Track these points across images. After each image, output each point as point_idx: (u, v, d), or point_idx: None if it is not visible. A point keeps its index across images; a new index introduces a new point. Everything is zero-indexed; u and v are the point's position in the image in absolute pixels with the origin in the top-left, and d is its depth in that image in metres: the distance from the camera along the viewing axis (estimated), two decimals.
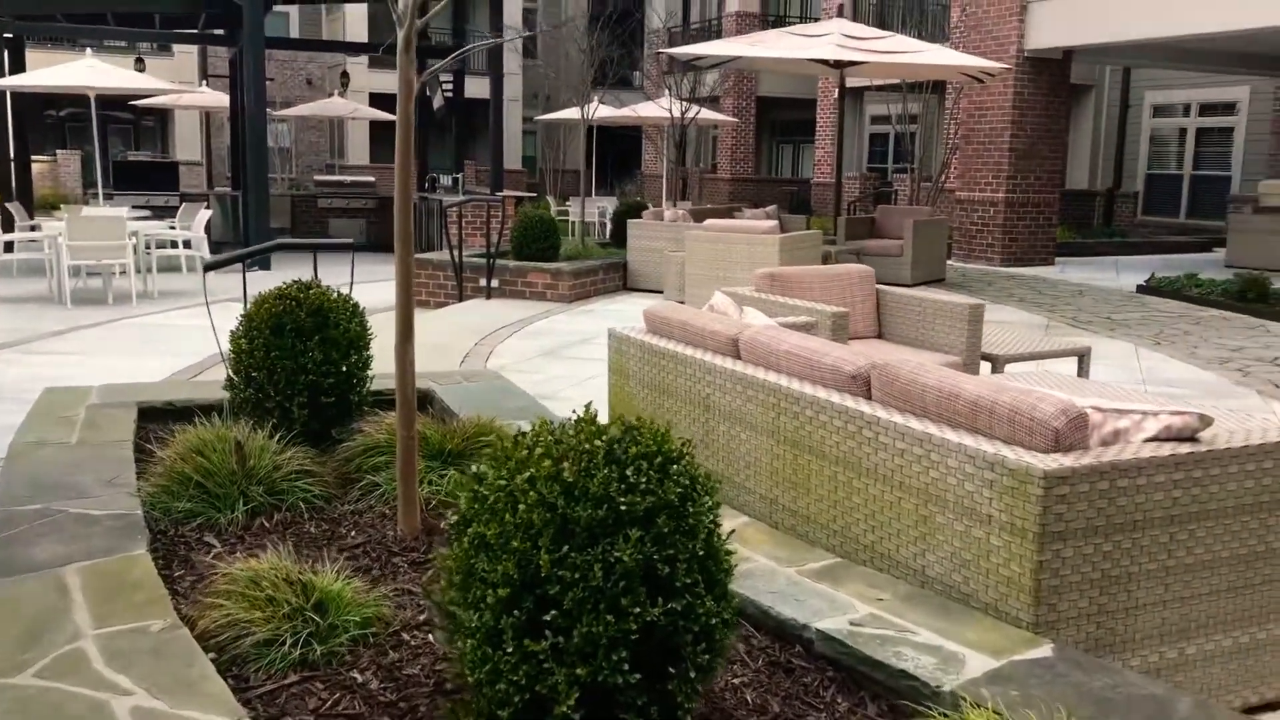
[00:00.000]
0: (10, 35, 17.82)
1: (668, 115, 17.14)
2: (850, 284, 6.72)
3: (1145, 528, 3.03)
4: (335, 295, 4.85)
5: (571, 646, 2.11)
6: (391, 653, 2.90)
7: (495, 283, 12.30)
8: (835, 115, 25.74)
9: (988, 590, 3.06)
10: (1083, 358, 6.74)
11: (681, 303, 11.89)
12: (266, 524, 3.86)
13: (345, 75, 26.07)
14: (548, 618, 2.13)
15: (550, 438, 2.34)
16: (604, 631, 2.09)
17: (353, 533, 3.82)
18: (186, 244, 14.29)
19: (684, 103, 17.05)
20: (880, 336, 6.78)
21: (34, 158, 20.02)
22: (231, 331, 4.80)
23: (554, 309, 11.61)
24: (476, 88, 23.19)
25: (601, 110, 15.13)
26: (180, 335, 10.28)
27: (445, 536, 3.69)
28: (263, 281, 5.25)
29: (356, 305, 4.92)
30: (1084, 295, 13.33)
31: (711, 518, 2.31)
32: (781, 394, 3.93)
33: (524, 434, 2.44)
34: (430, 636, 2.99)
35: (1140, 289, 13.49)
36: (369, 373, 4.92)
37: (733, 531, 2.43)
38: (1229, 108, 21.09)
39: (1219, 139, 21.53)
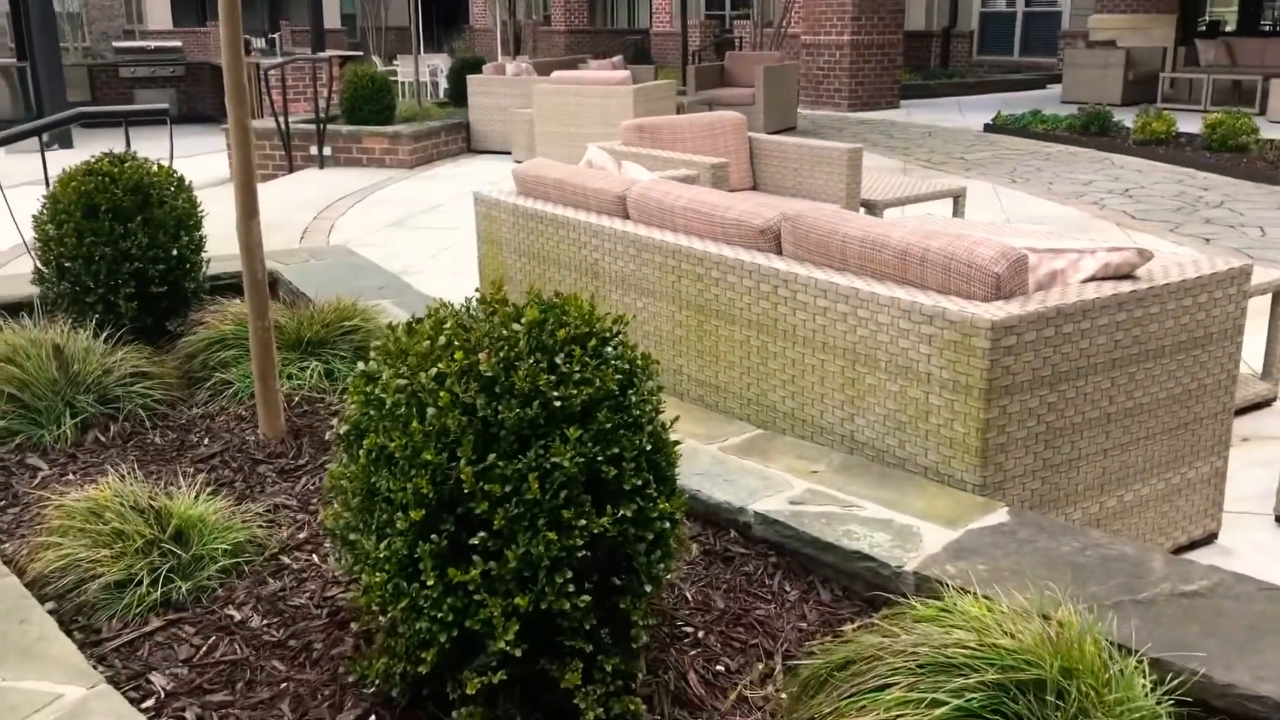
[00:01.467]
0: None
1: None
2: (723, 133, 6.35)
3: (1089, 374, 2.84)
4: (155, 168, 4.20)
5: (507, 572, 1.75)
6: (272, 581, 2.49)
7: (328, 150, 11.43)
8: None
9: (927, 453, 2.84)
10: (958, 199, 6.59)
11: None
12: (102, 438, 3.33)
13: None
14: (475, 541, 1.76)
15: (456, 324, 1.93)
16: (545, 552, 1.74)
17: (206, 440, 3.34)
18: None
19: None
20: (755, 187, 6.47)
21: None
22: (34, 216, 4.11)
23: (395, 176, 10.88)
24: None
25: None
26: None
27: (327, 443, 3.26)
28: (66, 160, 4.54)
29: (182, 179, 4.29)
30: (933, 136, 13.31)
31: (654, 404, 1.96)
32: (681, 255, 3.57)
33: (419, 320, 2.01)
34: (315, 558, 2.59)
35: (987, 128, 13.56)
36: (204, 256, 4.33)
37: (677, 418, 2.08)
38: None
39: None
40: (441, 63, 19.55)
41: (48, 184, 4.21)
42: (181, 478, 2.96)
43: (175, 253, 4.11)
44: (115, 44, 21.77)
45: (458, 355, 1.83)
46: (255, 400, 3.46)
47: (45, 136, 5.81)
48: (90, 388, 3.40)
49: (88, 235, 3.95)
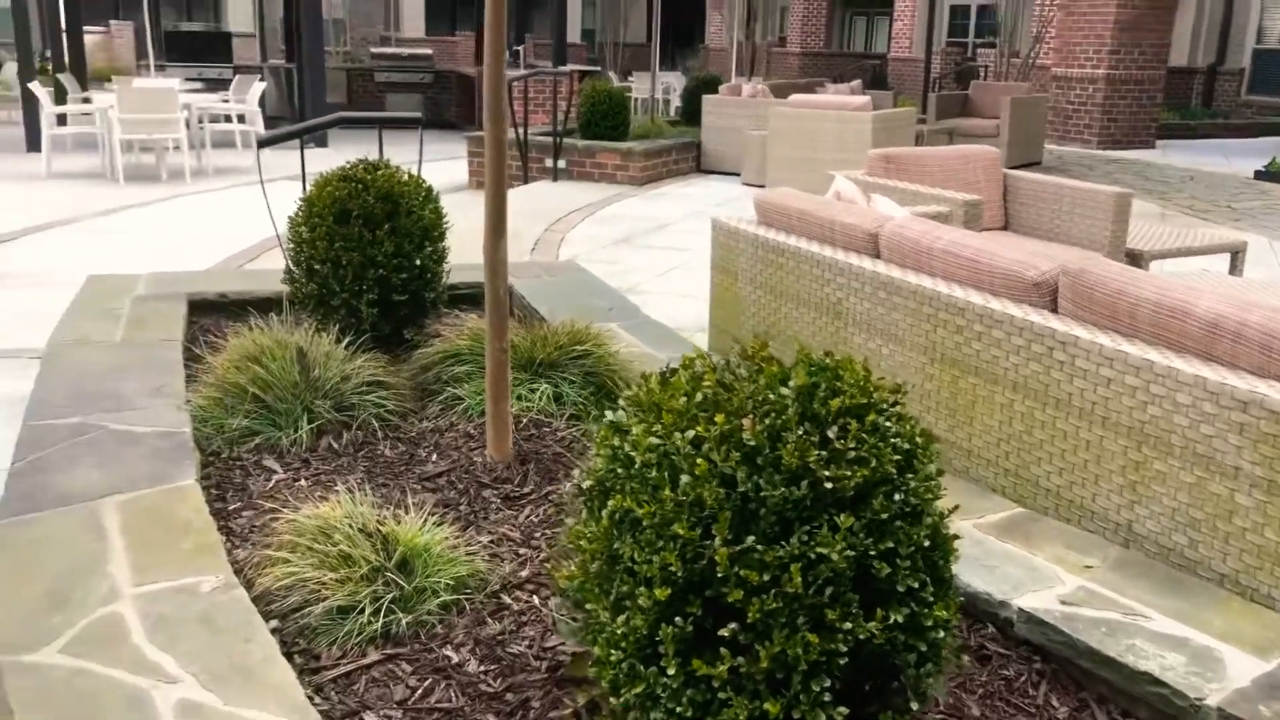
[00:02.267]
0: None
1: None
2: (975, 168, 5.97)
3: None
4: (405, 177, 4.24)
5: (757, 671, 1.55)
6: (491, 622, 2.37)
7: (562, 163, 11.59)
8: None
9: (1227, 559, 2.46)
10: (1237, 254, 5.96)
11: (762, 185, 11.14)
12: (335, 445, 3.34)
13: None
14: (724, 632, 1.57)
15: (716, 381, 1.74)
16: (803, 655, 1.53)
17: (434, 456, 3.29)
18: (241, 118, 13.69)
19: None
20: (1006, 228, 6.05)
21: (86, 28, 19.39)
22: (290, 218, 4.22)
23: (625, 192, 10.91)
24: None
25: None
26: (235, 216, 9.76)
27: (553, 471, 3.16)
28: (321, 161, 4.67)
29: (430, 189, 4.32)
30: (1195, 181, 12.32)
31: (935, 491, 1.71)
32: (940, 303, 3.28)
33: (673, 371, 1.84)
34: (535, 599, 2.47)
35: (1258, 175, 12.43)
36: (444, 266, 4.34)
37: (956, 508, 1.83)
38: None
39: None
40: (675, 81, 19.67)
41: (304, 185, 4.33)
42: (408, 495, 2.91)
43: (419, 263, 4.12)
44: (373, 49, 23.00)
45: (718, 419, 1.64)
46: (485, 420, 3.40)
47: (306, 137, 6.05)
48: (328, 393, 3.42)
49: (338, 240, 4.02)
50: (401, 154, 4.84)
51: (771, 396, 1.67)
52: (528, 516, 2.90)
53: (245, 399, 3.35)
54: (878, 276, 3.56)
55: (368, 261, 4.02)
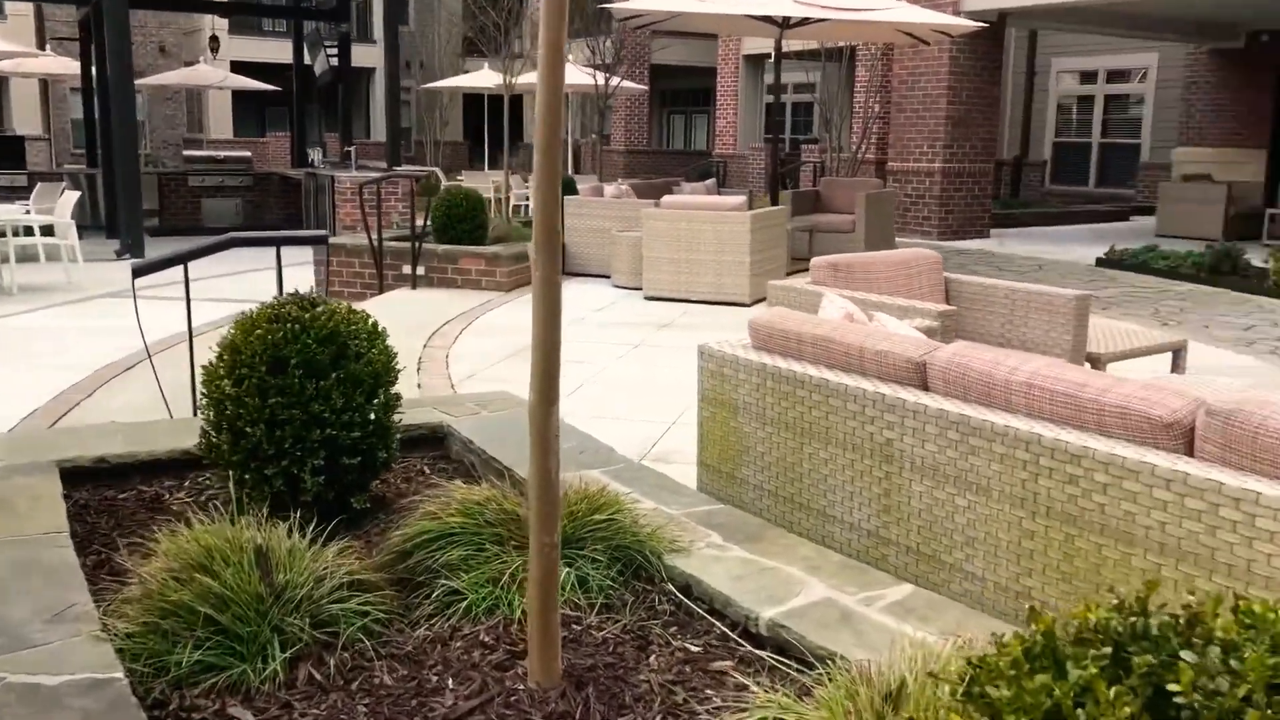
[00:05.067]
0: None
1: (592, 82, 15.79)
2: (919, 272, 5.67)
3: None
4: (345, 310, 3.52)
5: None
6: None
7: (421, 269, 10.86)
8: (737, 84, 24.84)
9: None
10: (1178, 353, 5.86)
11: (638, 288, 10.72)
12: (317, 675, 2.55)
13: (215, 40, 23.79)
14: None
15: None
16: None
17: (451, 682, 2.55)
18: (46, 230, 12.33)
19: (602, 70, 15.74)
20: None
21: None
22: (204, 368, 3.42)
23: (494, 299, 10.26)
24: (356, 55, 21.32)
25: (524, 77, 13.71)
26: (58, 341, 8.58)
27: (618, 696, 2.47)
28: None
29: (376, 324, 3.60)
30: (1044, 270, 12.66)
31: None
32: (1043, 448, 2.81)
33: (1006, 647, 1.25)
34: None
35: (1100, 262, 12.91)
36: (398, 416, 3.61)
37: None
38: (1138, 74, 20.95)
39: (1127, 106, 21.40)
40: (502, 179, 19.26)
41: (190, 318, 3.53)
42: None
43: (372, 416, 3.39)
44: (186, 153, 21.67)
45: None
46: (498, 621, 2.70)
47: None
48: (300, 605, 2.64)
49: (273, 394, 3.25)
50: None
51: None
52: None
53: (193, 622, 2.53)
54: (945, 415, 3.07)
55: (312, 419, 3.26)
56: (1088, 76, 21.77)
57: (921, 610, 2.76)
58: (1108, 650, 1.20)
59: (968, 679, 1.29)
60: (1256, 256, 11.91)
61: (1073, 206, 19.87)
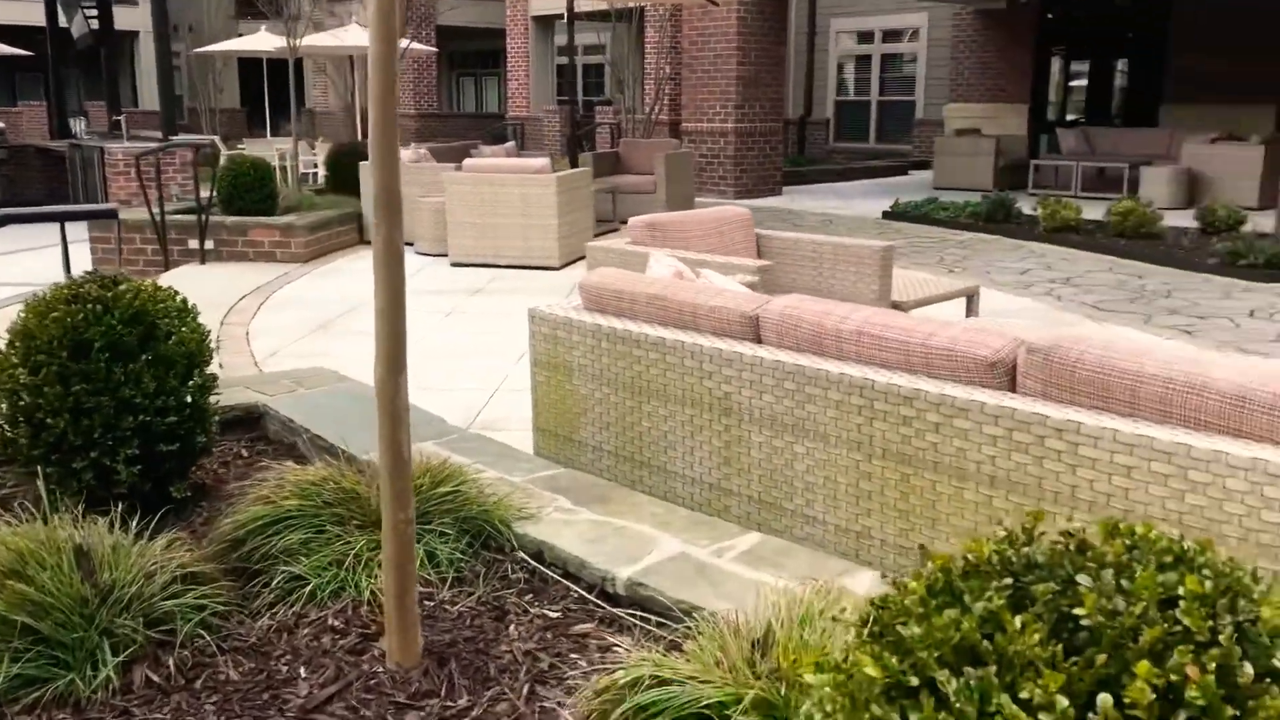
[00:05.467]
0: None
1: None
2: (733, 229, 5.77)
3: None
4: (151, 288, 3.27)
5: None
6: None
7: (209, 243, 10.27)
8: (527, 44, 24.57)
9: None
10: (972, 298, 6.21)
11: (443, 255, 10.47)
12: (154, 677, 2.38)
13: None
14: None
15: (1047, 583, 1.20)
16: None
17: (302, 671, 2.43)
18: None
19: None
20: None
21: None
22: None
23: (291, 271, 9.84)
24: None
25: (308, 39, 13.09)
26: None
27: (485, 670, 2.42)
28: None
29: (185, 301, 3.37)
30: (834, 225, 13.16)
31: None
32: (876, 392, 2.91)
33: (921, 579, 1.29)
34: None
35: (886, 215, 13.52)
36: (215, 398, 3.40)
37: None
38: (909, 34, 21.95)
39: (902, 65, 22.40)
40: (288, 146, 18.43)
41: None
42: None
43: (188, 399, 3.17)
44: None
45: (1143, 670, 1.10)
46: (346, 604, 2.60)
47: None
48: (130, 605, 2.45)
49: (76, 381, 2.99)
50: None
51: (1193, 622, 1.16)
52: None
53: (8, 634, 2.31)
54: (781, 366, 3.13)
55: (123, 406, 3.03)
56: (864, 36, 22.65)
57: (771, 557, 2.82)
58: (1009, 581, 1.24)
59: (870, 619, 1.32)
60: (1026, 205, 12.75)
61: (855, 163, 20.72)
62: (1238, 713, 1.09)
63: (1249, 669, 1.11)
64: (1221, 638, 1.13)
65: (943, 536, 2.83)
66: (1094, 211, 12.34)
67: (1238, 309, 8.04)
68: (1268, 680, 1.10)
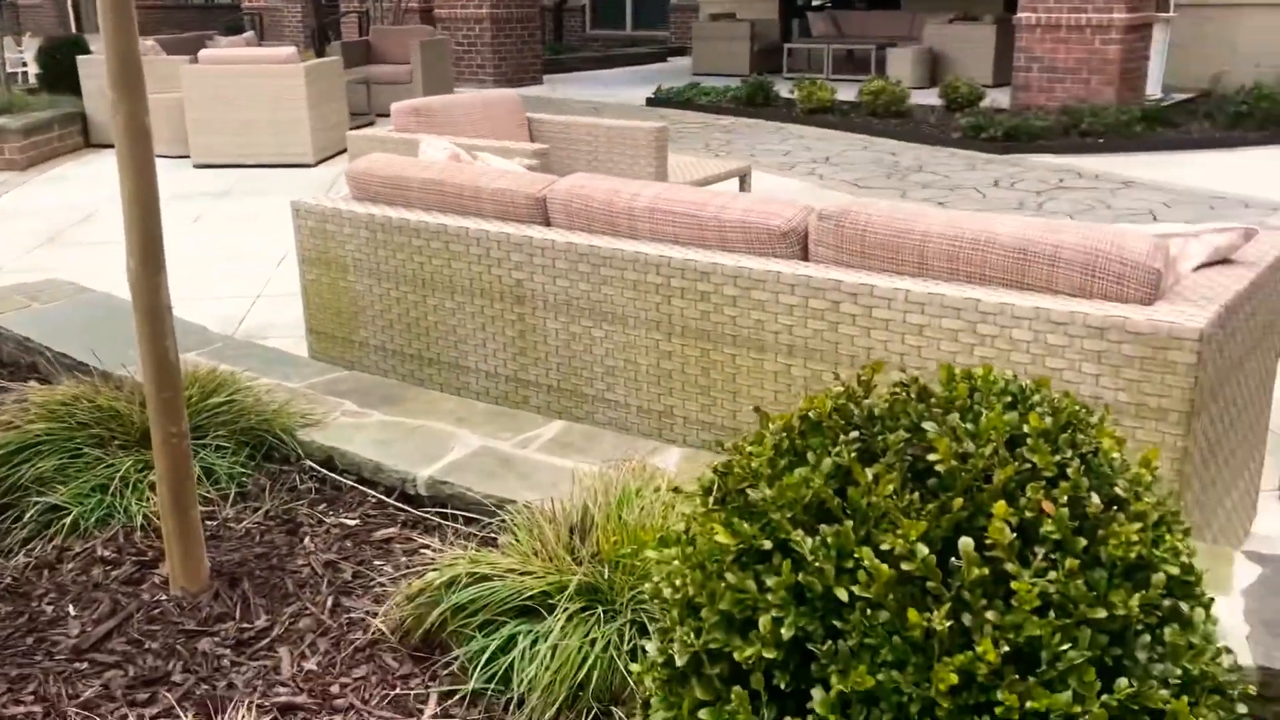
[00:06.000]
0: None
1: None
2: (501, 113, 5.55)
3: (1236, 376, 2.52)
4: None
5: None
6: None
7: None
8: None
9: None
10: (744, 178, 6.26)
11: (185, 156, 9.66)
12: None
13: None
14: None
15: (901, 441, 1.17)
16: None
17: (72, 609, 2.19)
18: None
19: None
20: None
21: None
22: None
23: (8, 180, 8.85)
24: None
25: None
26: None
27: (281, 586, 2.23)
28: None
29: None
30: (601, 112, 13.01)
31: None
32: (673, 269, 2.85)
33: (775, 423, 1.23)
34: None
35: (650, 101, 13.48)
36: None
37: None
38: None
39: None
40: None
41: None
42: (74, 683, 1.87)
43: None
44: None
45: (1004, 511, 1.08)
46: (116, 531, 2.36)
47: None
48: None
49: None
50: None
51: (1052, 457, 1.15)
52: (295, 664, 2.01)
53: None
54: (574, 248, 3.02)
55: None
56: None
57: (578, 444, 2.75)
58: (855, 435, 1.20)
59: (714, 487, 1.25)
60: (783, 88, 12.99)
61: (614, 50, 20.53)
62: (1088, 541, 1.09)
63: (1096, 499, 1.11)
64: (1070, 470, 1.12)
65: (744, 409, 2.83)
66: (847, 93, 12.74)
67: (983, 180, 8.50)
68: (1114, 508, 1.11)
